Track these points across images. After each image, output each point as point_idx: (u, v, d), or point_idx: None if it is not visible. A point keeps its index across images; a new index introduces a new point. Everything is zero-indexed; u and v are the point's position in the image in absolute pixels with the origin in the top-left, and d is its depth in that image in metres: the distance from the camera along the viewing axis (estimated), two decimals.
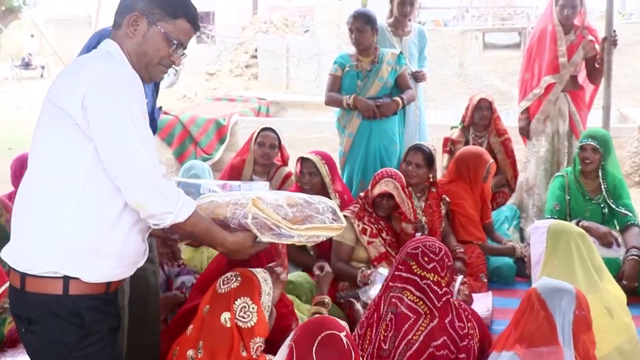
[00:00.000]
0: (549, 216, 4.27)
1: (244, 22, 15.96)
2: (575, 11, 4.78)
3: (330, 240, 3.50)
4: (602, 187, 4.30)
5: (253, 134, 4.60)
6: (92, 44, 2.20)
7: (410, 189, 4.11)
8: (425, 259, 2.55)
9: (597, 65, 4.85)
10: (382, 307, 2.61)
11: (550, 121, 4.97)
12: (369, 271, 3.62)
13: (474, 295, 3.65)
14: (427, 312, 2.52)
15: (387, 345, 2.54)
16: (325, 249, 3.86)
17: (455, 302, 2.61)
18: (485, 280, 4.11)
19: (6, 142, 10.09)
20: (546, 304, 2.36)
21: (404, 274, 2.58)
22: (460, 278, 3.42)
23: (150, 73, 2.03)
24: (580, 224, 4.03)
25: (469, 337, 2.56)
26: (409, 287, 2.55)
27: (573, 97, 4.98)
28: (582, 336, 2.29)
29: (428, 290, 2.53)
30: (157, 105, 2.44)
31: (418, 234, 3.81)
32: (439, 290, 2.53)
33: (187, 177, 3.91)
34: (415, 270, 2.55)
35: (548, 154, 5.00)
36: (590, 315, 2.38)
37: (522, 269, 4.13)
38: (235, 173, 4.56)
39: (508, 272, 4.28)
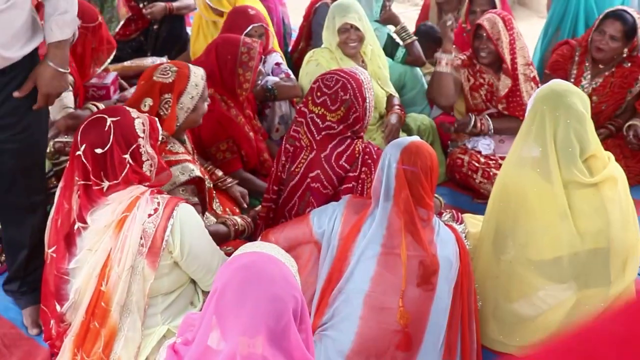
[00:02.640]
0: None
1: None
2: None
3: None
4: None
5: None
6: None
7: (588, 60, 3.73)
8: (318, 93, 2.58)
9: None
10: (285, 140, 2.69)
11: None
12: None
13: None
14: (308, 144, 2.59)
15: (284, 174, 2.65)
16: None
17: (363, 143, 2.64)
18: None
19: None
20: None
21: (302, 108, 2.64)
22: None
23: None
24: None
25: (355, 179, 2.59)
26: (300, 119, 2.62)
27: None
28: (403, 190, 2.21)
29: (310, 123, 2.58)
30: None
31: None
32: (320, 122, 2.57)
33: None
34: (308, 104, 2.60)
35: None
36: (423, 171, 2.24)
37: None
38: None
39: None
